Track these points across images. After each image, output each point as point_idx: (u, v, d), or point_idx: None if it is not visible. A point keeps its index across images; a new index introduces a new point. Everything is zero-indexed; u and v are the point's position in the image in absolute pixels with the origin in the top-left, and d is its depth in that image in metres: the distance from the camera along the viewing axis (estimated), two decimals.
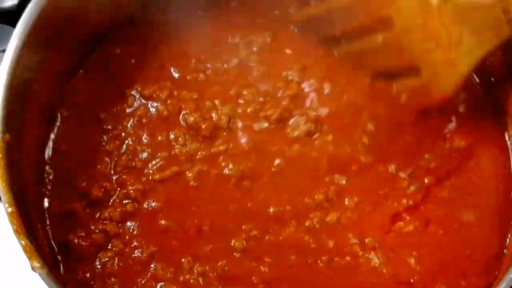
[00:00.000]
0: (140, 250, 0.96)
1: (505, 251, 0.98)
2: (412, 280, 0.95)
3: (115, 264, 0.95)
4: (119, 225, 0.98)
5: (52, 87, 1.06)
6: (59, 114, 1.07)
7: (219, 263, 0.94)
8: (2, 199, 0.87)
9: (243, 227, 0.97)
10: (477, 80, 1.11)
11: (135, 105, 1.08)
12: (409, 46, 0.97)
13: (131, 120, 1.06)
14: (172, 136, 1.04)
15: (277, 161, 1.01)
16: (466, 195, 1.02)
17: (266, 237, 0.96)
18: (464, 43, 0.92)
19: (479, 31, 0.92)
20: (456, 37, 0.92)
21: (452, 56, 0.94)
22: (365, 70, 1.05)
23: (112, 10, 1.13)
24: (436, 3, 0.91)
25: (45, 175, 1.03)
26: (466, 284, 0.95)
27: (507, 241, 0.99)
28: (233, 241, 0.96)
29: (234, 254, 0.95)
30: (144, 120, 1.06)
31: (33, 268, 0.84)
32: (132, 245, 0.96)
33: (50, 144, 1.05)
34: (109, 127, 1.06)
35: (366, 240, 0.97)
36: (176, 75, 1.10)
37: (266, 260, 0.95)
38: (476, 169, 1.04)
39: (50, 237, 0.98)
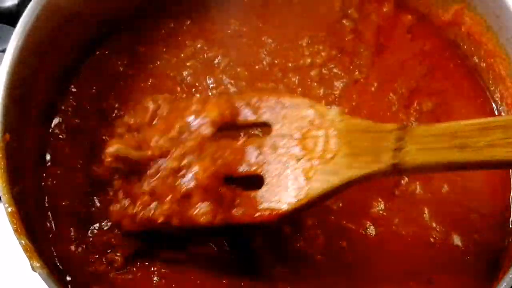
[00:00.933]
0: None
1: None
2: (432, 240, 0.96)
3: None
4: None
5: (52, 87, 1.06)
6: (59, 114, 1.07)
7: None
8: (2, 199, 0.87)
9: None
10: None
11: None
12: (269, 154, 0.91)
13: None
14: None
15: None
16: None
17: None
18: (333, 162, 0.86)
19: (357, 154, 0.85)
20: (329, 155, 0.86)
21: (310, 174, 0.87)
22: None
23: (112, 10, 1.13)
24: (331, 117, 0.88)
25: (45, 175, 1.03)
26: (480, 239, 0.97)
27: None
28: None
29: None
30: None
31: (33, 268, 0.84)
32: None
33: (50, 144, 1.05)
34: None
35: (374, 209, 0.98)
36: None
37: None
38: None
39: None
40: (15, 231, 0.86)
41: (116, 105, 1.08)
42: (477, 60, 1.12)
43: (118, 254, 0.96)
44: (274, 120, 0.92)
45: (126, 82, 1.11)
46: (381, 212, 0.99)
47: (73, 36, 1.08)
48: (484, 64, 1.10)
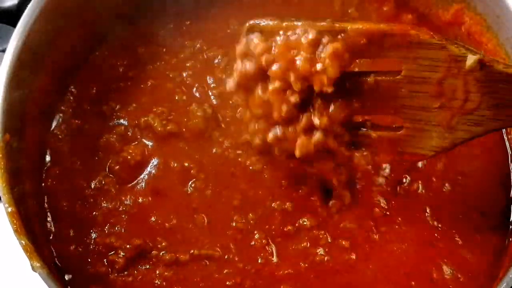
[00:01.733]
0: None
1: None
2: (434, 240, 0.97)
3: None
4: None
5: (52, 87, 1.06)
6: (59, 114, 1.07)
7: None
8: (2, 199, 0.87)
9: None
10: None
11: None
12: (405, 97, 0.89)
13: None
14: None
15: None
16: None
17: None
18: (477, 113, 0.85)
19: (502, 106, 0.83)
20: (471, 106, 0.84)
21: (453, 123, 0.86)
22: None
23: (112, 9, 1.13)
24: (470, 66, 0.83)
25: (45, 175, 1.03)
26: (481, 239, 0.98)
27: None
28: None
29: None
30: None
31: (33, 268, 0.84)
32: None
33: (50, 144, 1.05)
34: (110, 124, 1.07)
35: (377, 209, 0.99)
36: None
37: None
38: None
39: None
40: (15, 231, 0.85)
41: (116, 107, 1.08)
42: None
43: (119, 256, 0.95)
44: (404, 58, 0.88)
45: (126, 83, 1.11)
46: (384, 212, 0.99)
47: (73, 36, 1.08)
48: None
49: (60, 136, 1.06)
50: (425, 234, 0.97)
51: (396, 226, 0.98)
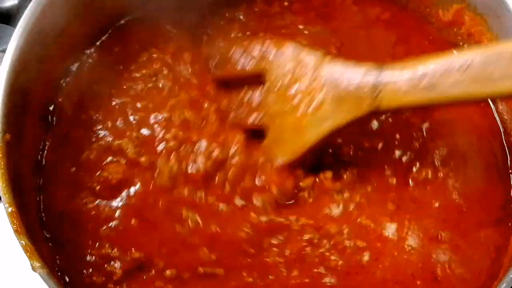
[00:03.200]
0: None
1: None
2: (440, 236, 0.98)
3: None
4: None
5: (52, 87, 1.06)
6: (59, 114, 1.07)
7: None
8: (2, 199, 0.87)
9: None
10: None
11: None
12: (268, 106, 0.96)
13: None
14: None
15: None
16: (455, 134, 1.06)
17: None
18: (322, 110, 0.91)
19: (342, 100, 0.90)
20: (316, 104, 0.91)
21: (302, 124, 0.93)
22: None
23: (112, 10, 1.13)
24: (313, 64, 0.92)
25: (45, 175, 1.03)
26: (484, 235, 0.98)
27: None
28: None
29: None
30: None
31: (33, 268, 0.84)
32: None
33: (50, 143, 1.05)
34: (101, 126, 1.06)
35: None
36: None
37: None
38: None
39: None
40: (15, 231, 0.85)
41: (97, 117, 1.06)
42: None
43: (117, 267, 0.94)
44: (268, 67, 0.97)
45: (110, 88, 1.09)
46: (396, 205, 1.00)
47: (73, 36, 1.08)
48: None
49: (60, 136, 1.05)
50: (432, 230, 0.98)
51: (406, 222, 0.98)
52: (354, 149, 1.02)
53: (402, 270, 0.95)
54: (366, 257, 0.95)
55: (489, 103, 1.10)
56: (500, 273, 0.93)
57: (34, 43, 0.98)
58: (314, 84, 0.91)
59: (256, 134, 0.99)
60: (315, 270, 0.94)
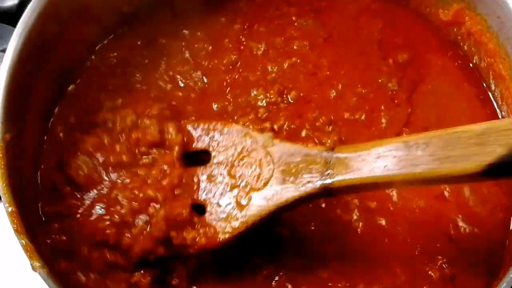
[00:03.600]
0: None
1: None
2: (446, 194, 1.00)
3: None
4: None
5: (52, 87, 1.06)
6: (59, 114, 1.07)
7: None
8: (2, 199, 0.87)
9: None
10: None
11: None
12: (212, 181, 0.95)
13: None
14: None
15: None
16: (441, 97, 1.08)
17: None
18: (268, 187, 0.89)
19: (289, 178, 0.88)
20: (263, 181, 0.90)
21: (245, 201, 0.90)
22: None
23: (112, 10, 1.13)
24: (261, 143, 0.91)
25: (45, 175, 1.02)
26: (488, 192, 1.01)
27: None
28: None
29: None
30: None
31: (33, 268, 0.84)
32: None
33: (50, 143, 1.05)
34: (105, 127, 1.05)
35: None
36: None
37: None
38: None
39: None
40: (15, 231, 0.86)
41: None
42: (477, 60, 1.12)
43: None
44: (212, 147, 0.96)
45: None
46: None
47: (73, 36, 1.08)
48: (485, 64, 1.10)
49: (60, 135, 1.05)
50: (436, 188, 1.00)
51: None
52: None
53: (420, 232, 0.97)
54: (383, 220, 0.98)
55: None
56: (501, 273, 0.93)
57: (34, 43, 0.98)
58: (263, 161, 0.91)
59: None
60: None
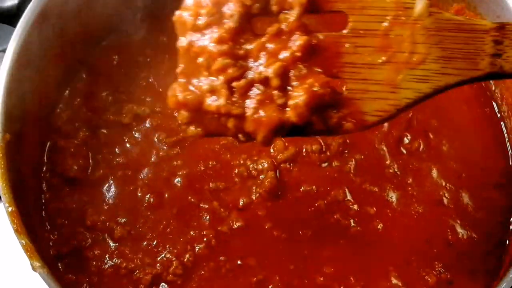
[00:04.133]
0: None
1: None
2: (445, 200, 1.00)
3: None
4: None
5: (52, 87, 1.06)
6: (59, 114, 1.07)
7: None
8: (2, 198, 0.87)
9: None
10: None
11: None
12: (349, 53, 0.79)
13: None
14: None
15: None
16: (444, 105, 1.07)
17: None
18: (423, 67, 0.78)
19: (449, 58, 0.77)
20: (418, 59, 0.78)
21: (398, 80, 0.78)
22: None
23: (112, 10, 1.13)
24: (419, 12, 0.77)
25: (44, 174, 1.03)
26: (487, 196, 1.01)
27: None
28: None
29: None
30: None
31: (33, 268, 0.84)
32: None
33: (50, 144, 1.05)
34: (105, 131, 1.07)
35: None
36: None
37: None
38: None
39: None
40: (15, 231, 0.85)
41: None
42: None
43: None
44: (350, 9, 0.80)
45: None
46: (395, 171, 1.02)
47: (73, 36, 1.08)
48: None
49: (60, 136, 1.06)
50: (435, 194, 1.01)
51: (409, 188, 1.01)
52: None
53: (417, 237, 0.97)
54: (380, 225, 0.98)
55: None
56: (501, 273, 0.93)
57: (34, 43, 0.98)
58: (416, 34, 0.77)
59: None
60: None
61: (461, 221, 0.99)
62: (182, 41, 0.81)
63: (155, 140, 1.05)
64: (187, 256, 0.95)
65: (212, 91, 0.79)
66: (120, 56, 1.13)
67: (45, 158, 1.04)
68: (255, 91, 0.78)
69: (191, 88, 0.80)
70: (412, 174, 1.02)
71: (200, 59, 0.79)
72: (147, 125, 1.06)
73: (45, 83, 1.04)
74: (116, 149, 1.04)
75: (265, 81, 0.78)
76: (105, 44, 1.14)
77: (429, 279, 0.94)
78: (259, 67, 0.78)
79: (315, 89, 0.77)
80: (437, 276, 0.94)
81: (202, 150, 1.04)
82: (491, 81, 1.10)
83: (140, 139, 1.05)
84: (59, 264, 0.96)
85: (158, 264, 0.95)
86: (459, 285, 0.95)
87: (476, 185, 1.02)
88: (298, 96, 0.77)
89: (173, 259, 0.95)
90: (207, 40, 0.79)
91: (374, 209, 0.99)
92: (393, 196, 1.00)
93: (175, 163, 1.03)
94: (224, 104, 0.78)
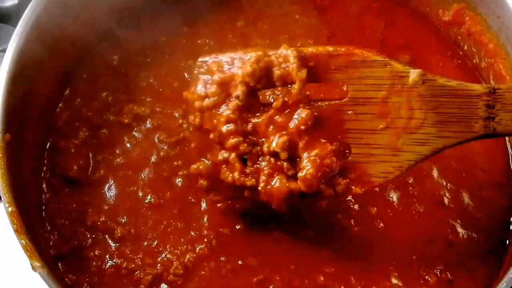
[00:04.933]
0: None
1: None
2: (446, 200, 1.00)
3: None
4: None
5: (52, 87, 1.06)
6: (58, 114, 1.07)
7: None
8: (2, 199, 0.87)
9: None
10: None
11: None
12: (351, 120, 0.86)
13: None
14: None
15: None
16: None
17: None
18: (421, 131, 0.83)
19: (445, 122, 0.82)
20: (416, 124, 0.83)
21: (399, 144, 0.84)
22: None
23: (112, 11, 1.13)
24: (413, 80, 0.83)
25: (44, 174, 1.03)
26: (487, 196, 1.01)
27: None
28: None
29: None
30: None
31: (33, 268, 0.84)
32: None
33: (50, 144, 1.05)
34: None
35: None
36: None
37: None
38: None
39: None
40: (15, 231, 0.85)
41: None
42: (477, 60, 1.12)
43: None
44: (348, 79, 0.86)
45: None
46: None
47: (73, 37, 1.08)
48: (485, 64, 1.10)
49: (59, 136, 1.05)
50: (436, 194, 1.01)
51: (410, 188, 1.01)
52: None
53: (418, 237, 0.98)
54: (381, 225, 0.98)
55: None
56: (501, 273, 0.93)
57: (34, 43, 0.98)
58: (412, 101, 0.83)
59: None
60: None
61: (462, 221, 0.99)
62: (193, 119, 0.90)
63: (156, 140, 1.05)
64: (188, 256, 0.95)
65: (226, 162, 0.88)
66: (120, 56, 1.13)
67: (45, 158, 1.04)
68: (265, 163, 0.87)
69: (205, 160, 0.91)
70: (413, 174, 1.02)
71: (212, 136, 0.88)
72: (148, 125, 1.06)
73: (45, 83, 1.04)
74: (117, 149, 1.04)
75: (274, 154, 0.86)
76: (105, 44, 1.14)
77: (429, 279, 0.94)
78: (267, 141, 0.86)
79: (323, 160, 0.84)
80: (437, 275, 0.95)
81: None
82: (491, 81, 1.09)
83: (140, 139, 1.05)
84: (59, 264, 0.96)
85: (158, 264, 0.95)
86: (459, 285, 0.95)
87: (477, 185, 1.02)
88: (306, 167, 0.84)
89: (174, 259, 0.95)
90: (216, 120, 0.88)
91: (375, 209, 0.99)
92: (394, 196, 1.00)
93: (175, 163, 1.02)
94: (238, 177, 0.87)
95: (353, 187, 0.86)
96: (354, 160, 0.86)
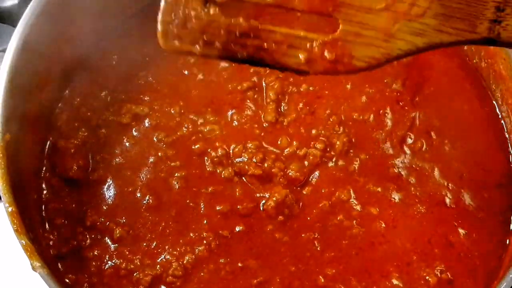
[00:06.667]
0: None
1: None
2: (447, 200, 1.01)
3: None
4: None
5: (52, 87, 1.06)
6: (58, 114, 1.07)
7: None
8: (2, 198, 0.87)
9: None
10: None
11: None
12: None
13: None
14: None
15: None
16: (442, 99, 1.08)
17: None
18: (421, 21, 0.76)
19: (448, 16, 0.76)
20: (417, 11, 0.75)
21: (394, 30, 0.76)
22: None
23: (112, 11, 1.13)
24: None
25: (44, 174, 1.03)
26: (488, 196, 1.02)
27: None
28: None
29: None
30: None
31: (33, 268, 0.84)
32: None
33: (50, 144, 1.05)
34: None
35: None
36: None
37: None
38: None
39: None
40: (15, 231, 0.86)
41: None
42: (477, 60, 1.12)
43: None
44: None
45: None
46: (399, 171, 1.03)
47: (73, 36, 1.08)
48: (485, 64, 1.10)
49: (60, 136, 1.06)
50: (437, 194, 1.01)
51: (412, 188, 1.01)
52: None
53: (419, 237, 0.98)
54: (382, 225, 0.98)
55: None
56: (501, 272, 0.93)
57: (34, 43, 0.98)
58: None
59: None
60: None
61: (463, 221, 0.99)
62: None
63: (154, 139, 1.05)
64: (187, 257, 0.95)
65: None
66: (119, 55, 1.12)
67: (45, 158, 1.04)
68: None
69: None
70: (415, 174, 1.02)
71: None
72: (146, 124, 1.06)
73: (45, 83, 1.04)
74: (116, 149, 1.04)
75: None
76: (104, 44, 1.14)
77: (429, 279, 0.94)
78: None
79: None
80: (437, 276, 0.95)
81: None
82: (491, 81, 1.10)
83: (139, 139, 1.05)
84: (59, 264, 0.96)
85: (157, 265, 0.95)
86: (459, 285, 0.95)
87: (478, 185, 1.02)
88: None
89: (173, 260, 0.95)
90: None
91: (377, 209, 0.99)
92: (396, 197, 1.00)
93: (173, 164, 1.03)
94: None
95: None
96: (340, 37, 0.77)
